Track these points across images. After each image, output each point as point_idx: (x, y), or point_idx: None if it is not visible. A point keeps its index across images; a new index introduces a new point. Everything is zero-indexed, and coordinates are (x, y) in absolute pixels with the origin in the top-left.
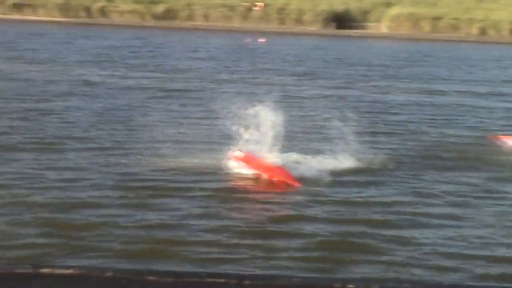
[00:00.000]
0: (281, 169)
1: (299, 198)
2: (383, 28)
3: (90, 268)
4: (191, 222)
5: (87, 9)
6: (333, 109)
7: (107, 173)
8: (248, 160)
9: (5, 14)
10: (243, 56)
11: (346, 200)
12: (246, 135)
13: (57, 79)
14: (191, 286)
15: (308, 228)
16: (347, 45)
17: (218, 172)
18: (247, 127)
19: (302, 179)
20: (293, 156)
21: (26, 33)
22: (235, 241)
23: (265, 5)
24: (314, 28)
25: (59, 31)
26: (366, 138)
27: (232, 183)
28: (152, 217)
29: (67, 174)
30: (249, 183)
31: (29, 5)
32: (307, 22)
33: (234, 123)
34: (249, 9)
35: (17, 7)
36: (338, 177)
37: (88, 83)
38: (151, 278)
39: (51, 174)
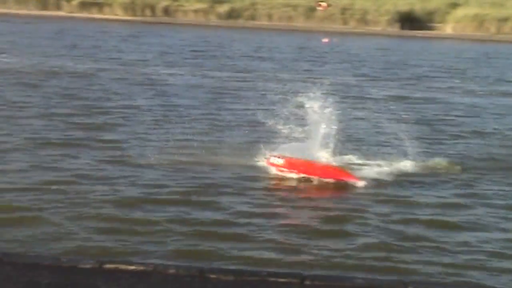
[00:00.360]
0: (333, 168)
1: (358, 198)
2: (448, 29)
3: (153, 265)
4: (251, 221)
5: (152, 8)
6: (396, 110)
7: (167, 171)
8: (287, 164)
9: (72, 12)
10: (307, 56)
11: (407, 200)
12: (300, 135)
13: (121, 77)
14: (252, 285)
15: (369, 228)
16: (411, 45)
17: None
18: (303, 127)
19: (362, 179)
20: (354, 157)
21: (92, 31)
22: (295, 240)
23: (329, 5)
24: (378, 28)
25: (124, 29)
26: (430, 140)
27: (286, 183)
28: (212, 215)
29: (128, 171)
30: (301, 184)
31: (95, 4)
32: (371, 22)
33: (291, 123)
34: (313, 9)
35: (84, 5)
36: (400, 178)
37: (151, 81)
38: (212, 276)
39: (113, 171)
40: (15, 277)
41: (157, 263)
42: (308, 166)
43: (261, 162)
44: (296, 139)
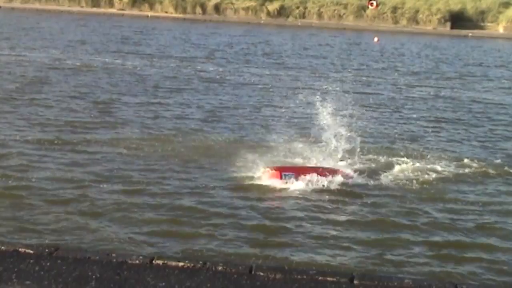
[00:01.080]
0: (326, 168)
1: (395, 199)
2: (500, 28)
3: (202, 262)
4: (294, 222)
5: (202, 6)
6: (444, 110)
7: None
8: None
9: (123, 9)
10: (356, 55)
11: (456, 199)
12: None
13: (171, 74)
14: (300, 283)
15: (416, 230)
16: (462, 45)
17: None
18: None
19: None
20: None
21: (142, 28)
22: (342, 240)
23: (379, 4)
24: (429, 27)
25: (174, 27)
26: (480, 140)
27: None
28: (259, 215)
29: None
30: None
31: (146, 1)
32: (422, 21)
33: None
34: (364, 7)
35: (135, 2)
36: (444, 180)
37: (201, 79)
38: (260, 273)
39: (162, 165)
40: (65, 271)
41: (206, 260)
42: (303, 171)
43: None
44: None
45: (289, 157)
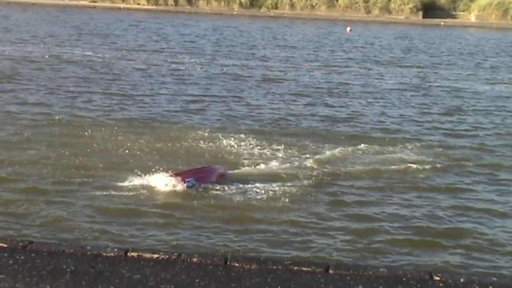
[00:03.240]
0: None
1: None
2: (472, 17)
3: (177, 253)
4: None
5: None
6: (413, 98)
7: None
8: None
9: (95, 1)
10: (329, 45)
11: (430, 188)
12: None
13: (146, 67)
14: (275, 273)
15: (388, 219)
16: (433, 34)
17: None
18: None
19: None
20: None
21: (116, 20)
22: (314, 231)
23: None
24: (401, 17)
25: (146, 18)
26: (450, 128)
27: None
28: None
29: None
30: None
31: None
32: (394, 10)
33: None
34: None
35: None
36: (415, 169)
37: (175, 71)
38: (236, 264)
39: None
40: (40, 265)
41: (181, 252)
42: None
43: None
44: None
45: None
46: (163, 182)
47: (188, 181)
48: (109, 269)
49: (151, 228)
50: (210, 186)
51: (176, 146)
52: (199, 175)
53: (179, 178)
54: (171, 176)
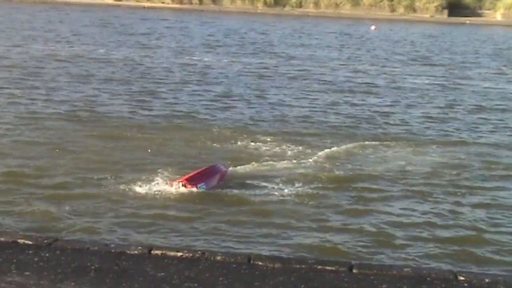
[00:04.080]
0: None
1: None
2: (498, 15)
3: (201, 251)
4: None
5: None
6: (436, 96)
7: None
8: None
9: (119, 0)
10: (353, 43)
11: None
12: None
13: (171, 65)
14: (299, 273)
15: (416, 220)
16: (459, 32)
17: None
18: None
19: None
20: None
21: (141, 19)
22: (338, 230)
23: None
24: (426, 15)
25: (171, 17)
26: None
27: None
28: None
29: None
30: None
31: None
32: (419, 9)
33: None
34: None
35: None
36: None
37: (199, 69)
38: (259, 263)
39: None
40: (64, 262)
41: (204, 250)
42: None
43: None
44: None
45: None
46: (176, 188)
47: (200, 186)
48: (133, 267)
49: (173, 227)
50: (231, 185)
51: (199, 144)
52: (207, 178)
53: (192, 183)
54: (182, 182)
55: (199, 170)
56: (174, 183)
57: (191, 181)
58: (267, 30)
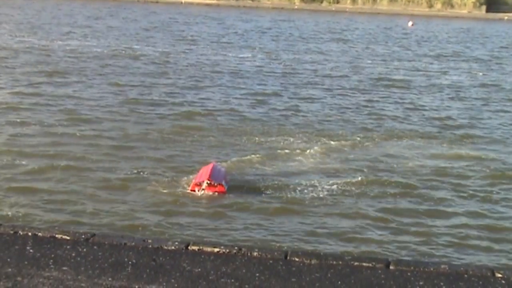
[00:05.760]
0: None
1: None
2: None
3: (237, 247)
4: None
5: None
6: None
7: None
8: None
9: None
10: (390, 39)
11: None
12: None
13: (207, 61)
14: (336, 269)
15: (452, 216)
16: (497, 28)
17: None
18: None
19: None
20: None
21: (178, 14)
22: (372, 228)
23: None
24: (464, 11)
25: (208, 12)
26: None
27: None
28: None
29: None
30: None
31: None
32: (457, 4)
33: None
34: None
35: None
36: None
37: (234, 65)
38: (296, 259)
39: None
40: (102, 257)
41: (241, 246)
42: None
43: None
44: None
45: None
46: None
47: (224, 184)
48: (170, 262)
49: (209, 224)
50: (262, 181)
51: (232, 140)
52: (223, 175)
53: (216, 182)
54: (207, 183)
55: (209, 169)
56: (201, 183)
57: (214, 179)
58: (304, 26)
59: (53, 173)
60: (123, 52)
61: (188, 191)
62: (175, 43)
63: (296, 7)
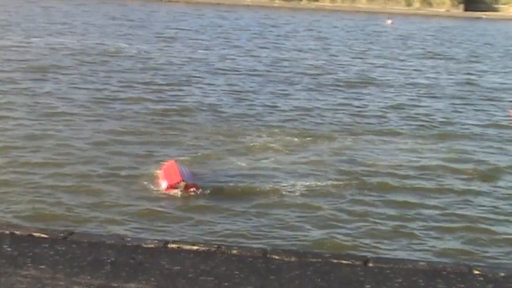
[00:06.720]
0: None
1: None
2: None
3: (217, 245)
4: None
5: None
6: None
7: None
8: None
9: None
10: (367, 37)
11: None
12: None
13: (183, 59)
14: (315, 266)
15: (430, 213)
16: (475, 27)
17: None
18: None
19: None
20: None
21: (155, 12)
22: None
23: None
24: (442, 9)
25: (187, 11)
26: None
27: None
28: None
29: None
30: None
31: None
32: (435, 3)
33: None
34: None
35: None
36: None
37: (211, 63)
38: (275, 257)
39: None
40: (80, 255)
41: (220, 243)
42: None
43: None
44: None
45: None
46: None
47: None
48: (149, 260)
49: (188, 222)
50: (242, 180)
51: (207, 137)
52: (190, 174)
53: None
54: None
55: (177, 168)
56: (177, 185)
57: (187, 179)
58: (282, 24)
59: (28, 169)
60: (100, 48)
61: (164, 190)
62: (153, 41)
63: (275, 4)
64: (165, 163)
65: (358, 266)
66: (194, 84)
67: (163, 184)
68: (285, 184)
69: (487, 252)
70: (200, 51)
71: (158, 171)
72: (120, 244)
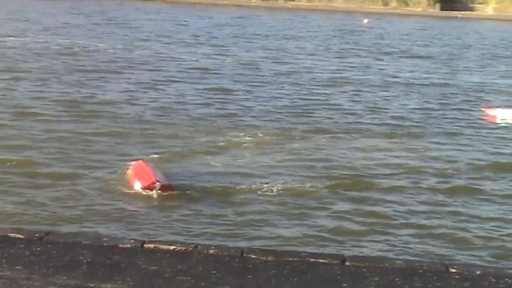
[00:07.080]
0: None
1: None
2: (489, 9)
3: (194, 245)
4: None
5: None
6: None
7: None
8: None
9: None
10: (344, 36)
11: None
12: None
13: (157, 58)
14: (292, 266)
15: (407, 211)
16: (450, 26)
17: None
18: None
19: None
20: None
21: (133, 10)
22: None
23: None
24: (419, 9)
25: (164, 10)
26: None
27: None
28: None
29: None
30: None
31: None
32: (412, 2)
33: None
34: None
35: None
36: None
37: (187, 63)
38: (252, 256)
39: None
40: (56, 256)
41: (197, 243)
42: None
43: None
44: None
45: None
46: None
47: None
48: (125, 261)
49: (165, 222)
50: (220, 179)
51: (181, 136)
52: (161, 174)
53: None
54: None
55: (148, 168)
56: (152, 186)
57: (161, 179)
58: (260, 23)
59: (2, 168)
60: (76, 48)
61: (139, 190)
62: (129, 40)
63: (252, 4)
64: (134, 163)
65: (335, 265)
66: (170, 84)
67: (138, 185)
68: (261, 183)
69: (463, 250)
70: (178, 50)
71: (128, 172)
72: (96, 244)
